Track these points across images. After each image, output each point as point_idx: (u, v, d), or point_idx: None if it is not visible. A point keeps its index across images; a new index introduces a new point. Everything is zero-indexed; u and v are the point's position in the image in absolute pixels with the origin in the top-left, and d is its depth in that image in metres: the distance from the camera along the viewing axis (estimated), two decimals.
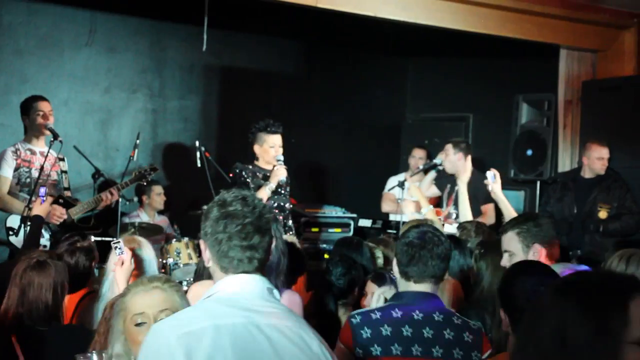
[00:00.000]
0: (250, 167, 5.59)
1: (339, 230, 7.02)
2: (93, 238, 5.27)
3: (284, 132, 5.65)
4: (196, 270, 3.74)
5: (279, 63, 8.16)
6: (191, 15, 6.84)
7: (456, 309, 3.19)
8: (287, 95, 8.01)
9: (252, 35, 7.77)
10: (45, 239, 5.11)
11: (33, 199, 4.93)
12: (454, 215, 5.76)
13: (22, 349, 2.97)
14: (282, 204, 5.55)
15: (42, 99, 5.49)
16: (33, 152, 5.45)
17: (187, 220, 6.48)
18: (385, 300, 2.91)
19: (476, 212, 5.79)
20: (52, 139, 5.30)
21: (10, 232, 5.14)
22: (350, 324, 2.71)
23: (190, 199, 6.61)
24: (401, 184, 6.05)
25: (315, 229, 6.92)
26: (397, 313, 2.71)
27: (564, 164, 7.16)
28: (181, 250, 5.66)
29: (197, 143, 6.05)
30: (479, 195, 5.81)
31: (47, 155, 5.33)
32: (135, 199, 6.60)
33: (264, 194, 5.30)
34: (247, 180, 5.47)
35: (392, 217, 6.97)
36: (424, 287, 2.77)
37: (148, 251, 3.64)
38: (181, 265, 5.62)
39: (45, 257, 3.24)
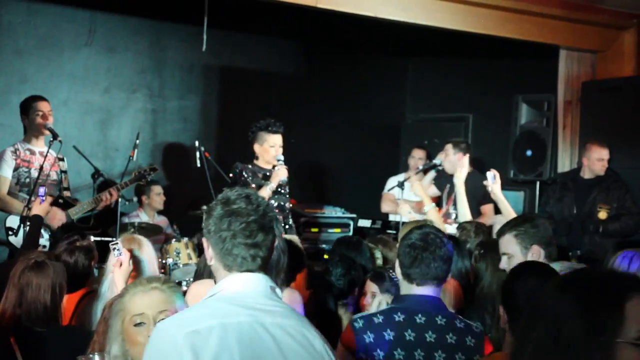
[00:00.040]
0: (250, 166, 5.59)
1: (338, 230, 7.02)
2: (92, 238, 5.29)
3: (284, 132, 5.65)
4: (196, 270, 3.73)
5: (279, 63, 8.16)
6: (191, 15, 6.84)
7: (456, 309, 3.19)
8: (287, 95, 8.01)
9: (252, 36, 7.77)
10: (44, 239, 5.11)
11: (32, 198, 4.93)
12: (453, 216, 5.76)
13: (20, 351, 2.96)
14: (282, 203, 5.56)
15: (42, 99, 5.49)
16: (32, 152, 5.45)
17: (187, 220, 6.48)
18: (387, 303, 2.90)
19: (474, 211, 5.79)
20: (51, 139, 5.29)
21: (10, 232, 5.14)
22: (353, 328, 2.70)
23: (190, 199, 6.62)
24: (401, 184, 6.05)
25: (314, 229, 6.93)
26: (399, 317, 2.70)
27: (564, 165, 7.16)
28: (181, 251, 5.67)
29: (196, 143, 6.05)
30: (478, 195, 5.81)
31: (46, 155, 5.32)
32: (135, 199, 6.59)
33: (265, 193, 5.30)
34: (248, 179, 5.47)
35: (391, 218, 6.98)
36: (427, 289, 2.76)
37: (148, 250, 3.63)
38: (181, 266, 5.63)
39: (43, 257, 3.23)
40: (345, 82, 8.33)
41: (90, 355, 2.45)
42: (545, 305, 1.53)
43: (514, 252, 3.33)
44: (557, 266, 2.99)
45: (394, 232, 6.21)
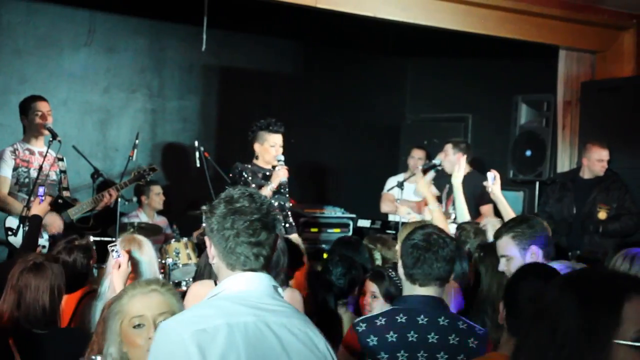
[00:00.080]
0: (250, 166, 5.57)
1: (338, 230, 7.02)
2: (92, 238, 5.29)
3: (284, 132, 5.64)
4: (196, 270, 3.73)
5: (278, 63, 8.16)
6: (190, 16, 6.84)
7: (456, 311, 3.19)
8: (287, 95, 8.01)
9: (252, 36, 7.77)
10: (44, 240, 5.10)
11: (32, 199, 4.92)
12: (452, 216, 5.75)
13: (19, 353, 2.95)
14: (282, 203, 5.55)
15: (41, 99, 5.48)
16: (32, 152, 5.45)
17: (186, 220, 6.48)
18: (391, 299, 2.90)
19: (473, 211, 5.79)
20: (50, 139, 5.29)
21: (9, 232, 5.13)
22: (356, 332, 2.70)
23: (190, 199, 6.61)
24: (400, 184, 6.05)
25: (314, 229, 6.93)
26: (401, 318, 2.70)
27: (563, 165, 7.16)
28: (180, 251, 5.67)
29: (196, 143, 6.05)
30: (477, 195, 5.82)
31: (45, 155, 5.32)
32: (135, 199, 6.59)
33: (265, 194, 5.29)
34: (248, 180, 5.46)
35: (391, 218, 6.98)
36: (429, 290, 2.76)
37: (148, 251, 3.63)
38: (180, 266, 5.62)
39: (41, 259, 3.22)
40: (345, 82, 8.33)
41: (93, 357, 2.45)
42: (545, 303, 1.54)
43: (512, 253, 3.33)
44: (556, 265, 2.99)
45: (394, 232, 6.21)
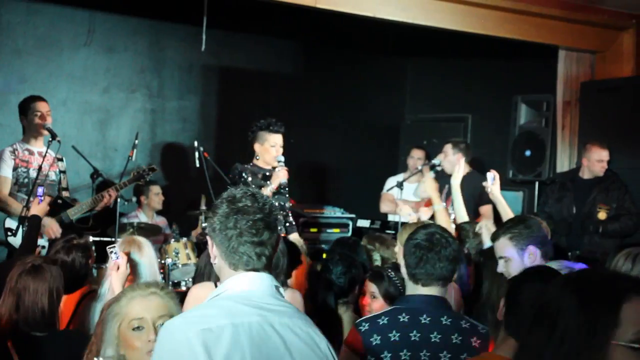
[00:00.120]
0: (250, 166, 5.56)
1: (337, 230, 7.03)
2: (91, 238, 5.29)
3: (284, 132, 5.64)
4: (196, 269, 3.72)
5: (278, 63, 8.16)
6: (190, 16, 6.84)
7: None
8: (286, 95, 8.01)
9: (251, 36, 7.77)
10: (43, 240, 5.10)
11: (31, 199, 4.92)
12: (452, 216, 5.75)
13: (18, 355, 2.94)
14: (282, 203, 5.54)
15: (40, 99, 5.48)
16: (31, 152, 5.44)
17: (186, 220, 6.48)
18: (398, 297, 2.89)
19: (473, 212, 5.78)
20: (50, 139, 5.29)
21: (9, 233, 5.13)
22: (359, 332, 2.71)
23: (189, 199, 6.61)
24: (400, 184, 6.05)
25: (314, 229, 6.93)
26: (403, 317, 2.70)
27: (563, 165, 7.16)
28: (180, 251, 5.67)
29: (195, 143, 6.05)
30: (477, 196, 5.81)
31: (45, 155, 5.31)
32: (134, 199, 6.59)
33: (265, 194, 5.27)
34: (248, 180, 5.45)
35: (390, 218, 6.98)
36: (432, 290, 2.77)
37: (148, 252, 3.63)
38: (180, 266, 5.63)
39: (40, 261, 3.21)
40: (344, 82, 8.34)
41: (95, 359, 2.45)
42: (545, 302, 1.54)
43: (510, 254, 3.33)
44: (555, 265, 3.00)
45: (393, 232, 6.21)
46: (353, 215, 7.17)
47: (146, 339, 2.31)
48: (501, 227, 3.51)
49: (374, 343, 2.66)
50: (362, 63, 8.47)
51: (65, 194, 5.53)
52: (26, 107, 5.44)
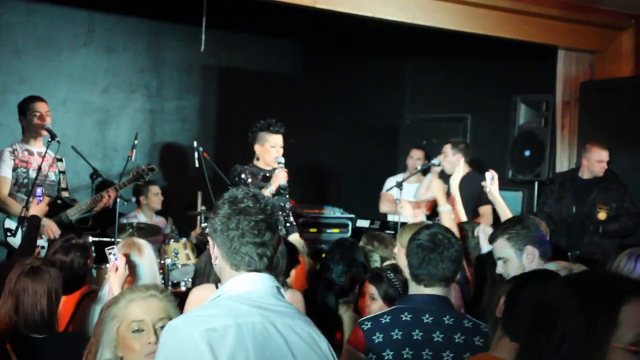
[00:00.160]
0: (250, 167, 5.55)
1: (337, 230, 7.03)
2: (91, 239, 5.29)
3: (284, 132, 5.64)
4: (196, 270, 3.71)
5: (277, 63, 8.16)
6: (189, 16, 6.84)
7: None
8: (285, 95, 8.00)
9: (250, 36, 7.77)
10: (43, 240, 5.10)
11: (30, 199, 4.92)
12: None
13: (17, 357, 2.94)
14: (282, 203, 5.53)
15: (39, 99, 5.47)
16: (31, 153, 5.44)
17: (186, 220, 6.48)
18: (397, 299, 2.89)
19: (472, 212, 5.78)
20: (49, 140, 5.29)
21: (8, 233, 5.14)
22: (362, 331, 2.72)
23: (189, 199, 6.61)
24: (399, 185, 6.05)
25: (313, 230, 6.94)
26: (406, 317, 2.71)
27: (562, 165, 7.16)
28: (179, 251, 5.67)
29: (195, 143, 6.06)
30: (477, 196, 5.81)
31: (44, 155, 5.31)
32: (133, 199, 6.59)
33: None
34: (247, 182, 5.44)
35: (390, 218, 6.98)
36: (435, 290, 2.77)
37: (149, 254, 3.62)
38: (179, 266, 5.62)
39: (39, 263, 3.21)
40: (344, 83, 8.34)
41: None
42: (545, 303, 1.55)
43: (508, 255, 3.34)
44: (553, 266, 2.99)
45: (392, 232, 6.21)
46: (352, 216, 7.17)
47: (146, 341, 2.31)
48: (498, 228, 3.51)
49: (376, 341, 2.67)
50: (362, 63, 8.47)
51: (64, 194, 5.53)
52: (25, 108, 5.44)
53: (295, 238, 5.28)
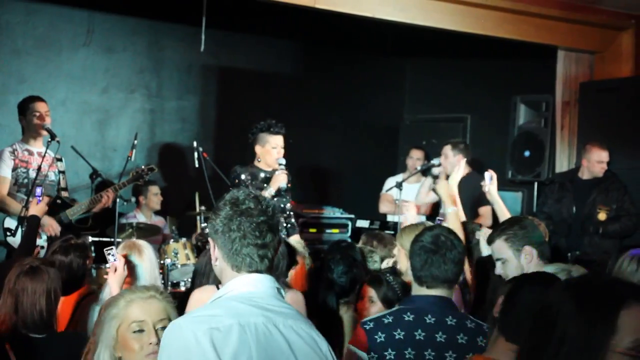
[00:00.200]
0: (250, 168, 5.54)
1: (336, 230, 7.03)
2: (91, 239, 5.29)
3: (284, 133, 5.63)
4: (196, 269, 3.70)
5: (277, 64, 8.16)
6: (189, 16, 6.84)
7: None
8: (285, 95, 8.00)
9: (250, 36, 7.77)
10: (42, 240, 5.10)
11: (30, 199, 4.93)
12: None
13: (16, 357, 2.94)
14: (282, 205, 5.51)
15: (39, 99, 5.47)
16: (30, 153, 5.44)
17: (185, 220, 6.48)
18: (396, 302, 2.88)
19: (472, 213, 5.78)
20: (49, 140, 5.29)
21: (8, 233, 5.14)
22: (364, 330, 2.72)
23: (188, 199, 6.61)
24: (399, 185, 6.05)
25: (313, 230, 6.93)
26: (408, 317, 2.71)
27: (562, 165, 7.16)
28: (179, 251, 5.67)
29: (194, 143, 6.06)
30: (476, 196, 5.81)
31: (44, 155, 5.31)
32: (133, 199, 6.59)
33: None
34: (247, 184, 5.42)
35: (389, 218, 6.98)
36: (437, 292, 2.78)
37: (149, 255, 3.62)
38: (179, 266, 5.62)
39: (38, 263, 3.21)
40: (344, 83, 8.34)
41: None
42: (544, 307, 1.55)
43: (507, 256, 3.34)
44: (552, 268, 2.99)
45: (392, 232, 6.21)
46: (352, 216, 7.17)
47: (147, 342, 2.31)
48: (496, 229, 3.51)
49: (378, 340, 2.67)
50: (361, 63, 8.47)
51: (64, 194, 5.53)
52: (25, 108, 5.44)
53: (295, 239, 5.27)
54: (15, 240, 5.01)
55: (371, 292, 3.51)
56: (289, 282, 3.58)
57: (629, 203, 6.14)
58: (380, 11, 6.11)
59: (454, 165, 5.80)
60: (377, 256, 4.31)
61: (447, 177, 6.01)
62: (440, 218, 5.68)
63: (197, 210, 6.12)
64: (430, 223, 4.01)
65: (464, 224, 4.80)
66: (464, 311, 3.60)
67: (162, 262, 5.45)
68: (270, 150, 5.49)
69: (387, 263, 4.20)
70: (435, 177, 6.47)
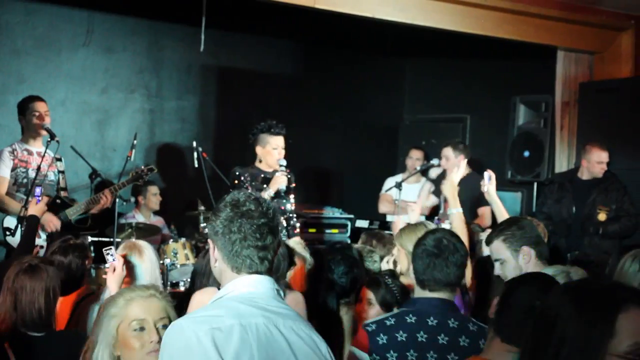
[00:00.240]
0: (250, 169, 5.53)
1: (336, 231, 7.03)
2: (90, 239, 5.28)
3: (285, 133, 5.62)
4: (196, 269, 3.69)
5: (277, 64, 8.16)
6: (189, 16, 6.84)
7: None
8: (285, 95, 8.01)
9: (250, 36, 7.77)
10: (42, 240, 5.10)
11: (29, 199, 4.93)
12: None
13: (15, 356, 2.94)
14: (282, 207, 5.49)
15: (39, 99, 5.47)
16: (30, 153, 5.44)
17: (185, 220, 6.48)
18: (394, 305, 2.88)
19: (472, 213, 5.78)
20: (49, 139, 5.29)
21: (7, 233, 5.14)
22: (367, 332, 2.73)
23: (188, 199, 6.61)
24: (398, 185, 6.05)
25: (312, 230, 6.93)
26: (410, 319, 2.72)
27: (561, 165, 7.17)
28: (178, 251, 5.67)
29: (194, 143, 6.05)
30: (476, 197, 5.81)
31: (44, 155, 5.31)
32: (132, 199, 6.58)
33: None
34: (247, 185, 5.41)
35: (389, 218, 6.98)
36: (440, 295, 2.78)
37: (149, 255, 3.62)
38: (178, 266, 5.63)
39: (37, 261, 3.21)
40: (343, 83, 8.34)
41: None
42: (546, 309, 1.55)
43: (505, 257, 3.34)
44: (551, 271, 2.98)
45: (391, 232, 6.21)
46: (351, 216, 7.17)
47: (148, 340, 2.32)
48: (494, 229, 3.51)
49: (380, 342, 2.68)
50: (361, 63, 8.48)
51: (64, 194, 5.52)
52: (25, 107, 5.44)
53: (296, 240, 5.26)
54: (14, 240, 5.01)
55: (369, 295, 3.50)
56: (289, 283, 3.57)
57: (628, 203, 6.14)
58: (380, 11, 6.11)
59: (456, 165, 5.81)
60: (376, 256, 4.31)
61: None
62: (439, 218, 5.70)
63: (199, 210, 6.10)
64: (430, 223, 4.01)
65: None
66: (464, 312, 3.60)
67: (161, 262, 5.45)
68: (271, 151, 5.47)
69: (386, 261, 4.19)
70: (433, 181, 6.49)
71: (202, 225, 6.02)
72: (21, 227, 4.86)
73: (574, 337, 1.45)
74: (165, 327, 2.29)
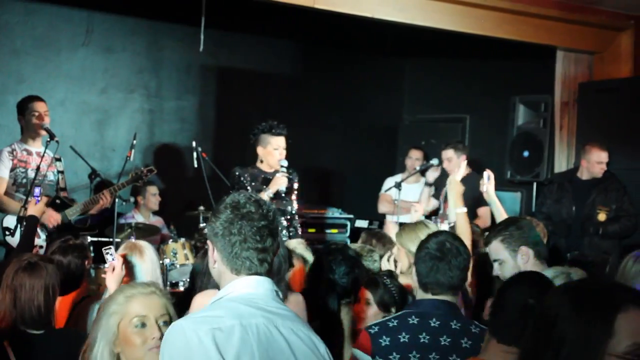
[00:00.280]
0: (251, 169, 5.52)
1: (335, 231, 7.03)
2: (89, 239, 5.28)
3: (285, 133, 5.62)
4: (197, 269, 3.69)
5: (276, 64, 8.16)
6: (188, 16, 6.84)
7: None
8: (285, 95, 8.01)
9: (249, 36, 7.77)
10: (41, 240, 5.10)
11: (29, 199, 4.92)
12: (450, 218, 5.75)
13: (15, 354, 2.94)
14: (282, 208, 5.47)
15: (38, 99, 5.47)
16: (29, 153, 5.44)
17: (184, 220, 6.48)
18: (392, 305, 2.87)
19: (472, 214, 5.78)
20: (48, 139, 5.28)
21: (7, 233, 5.14)
22: (369, 334, 2.74)
23: (187, 199, 6.61)
24: (398, 185, 6.05)
25: (312, 230, 6.93)
26: (413, 320, 2.73)
27: (560, 166, 7.17)
28: (178, 251, 5.67)
29: (193, 144, 6.05)
30: (476, 197, 5.81)
31: (43, 155, 5.31)
32: (132, 199, 6.58)
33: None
34: (246, 185, 5.40)
35: (389, 218, 6.98)
36: (442, 297, 2.79)
37: (150, 255, 3.62)
38: (178, 266, 5.63)
39: (36, 259, 3.21)
40: (343, 83, 8.34)
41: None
42: (545, 309, 1.56)
43: (504, 257, 3.34)
44: (551, 272, 2.99)
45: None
46: (351, 216, 7.17)
47: (150, 336, 2.32)
48: (493, 230, 3.51)
49: (382, 344, 2.68)
50: (361, 64, 8.48)
51: (63, 194, 5.52)
52: (24, 107, 5.44)
53: (298, 240, 5.25)
54: (14, 240, 5.00)
55: (368, 295, 3.50)
56: (289, 285, 3.57)
57: (628, 203, 6.14)
58: (379, 11, 6.11)
59: (458, 165, 5.81)
60: (376, 255, 4.30)
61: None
62: (439, 219, 5.70)
63: (198, 210, 6.10)
64: (430, 222, 4.01)
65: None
66: (464, 311, 3.61)
67: (160, 262, 5.45)
68: (272, 152, 5.45)
69: (387, 259, 4.19)
70: (431, 185, 6.49)
71: (201, 225, 6.02)
72: (20, 227, 4.86)
73: (574, 337, 1.45)
74: (166, 323, 2.30)
